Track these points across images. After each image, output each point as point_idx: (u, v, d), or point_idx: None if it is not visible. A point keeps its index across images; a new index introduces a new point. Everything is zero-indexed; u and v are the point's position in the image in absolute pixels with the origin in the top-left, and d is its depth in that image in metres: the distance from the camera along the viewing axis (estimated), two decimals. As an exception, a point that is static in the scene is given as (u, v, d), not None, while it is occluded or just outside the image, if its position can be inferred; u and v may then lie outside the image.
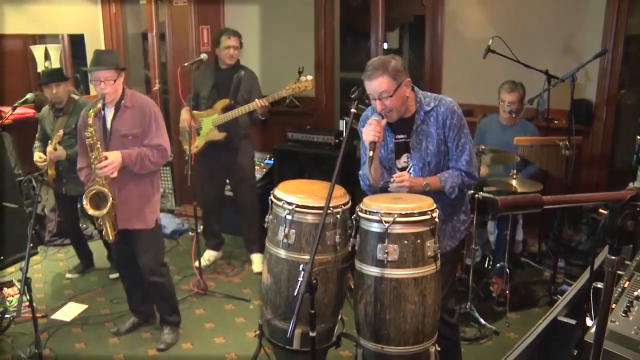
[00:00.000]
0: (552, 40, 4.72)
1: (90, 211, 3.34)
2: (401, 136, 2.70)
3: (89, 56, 6.13)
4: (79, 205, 4.49)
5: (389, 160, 2.74)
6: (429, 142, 2.65)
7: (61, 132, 4.12)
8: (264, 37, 5.81)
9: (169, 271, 3.77)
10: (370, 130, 2.52)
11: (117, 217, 3.42)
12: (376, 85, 2.53)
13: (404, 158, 2.72)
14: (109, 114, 3.41)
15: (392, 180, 2.62)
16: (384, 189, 2.71)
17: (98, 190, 3.33)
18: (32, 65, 5.88)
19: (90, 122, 3.26)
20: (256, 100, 4.27)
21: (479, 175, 2.75)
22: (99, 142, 3.29)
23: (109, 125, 3.40)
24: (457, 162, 2.66)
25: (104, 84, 3.28)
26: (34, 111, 5.54)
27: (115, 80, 3.31)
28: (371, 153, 2.49)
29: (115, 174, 3.30)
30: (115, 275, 4.57)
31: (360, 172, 2.80)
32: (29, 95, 4.31)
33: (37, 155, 4.22)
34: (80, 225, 4.79)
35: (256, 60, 5.71)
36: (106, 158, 3.27)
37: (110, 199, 3.32)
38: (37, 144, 4.40)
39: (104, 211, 3.33)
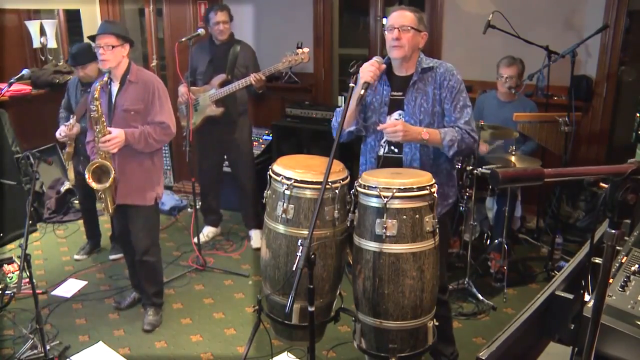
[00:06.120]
0: (553, 15, 4.67)
1: (93, 184, 3.36)
2: (397, 93, 2.74)
3: (85, 32, 6.10)
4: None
5: (380, 114, 2.75)
6: (423, 100, 2.68)
7: (74, 119, 4.06)
8: (262, 12, 5.75)
9: (161, 252, 3.77)
10: (369, 71, 2.56)
11: (116, 191, 3.43)
12: (401, 15, 2.65)
13: (395, 115, 2.73)
14: (115, 88, 3.41)
15: (383, 126, 2.62)
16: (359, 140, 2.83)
17: (101, 164, 3.36)
18: (28, 40, 5.82)
19: (96, 95, 3.28)
20: (252, 75, 4.25)
21: (478, 137, 2.76)
22: (103, 116, 3.30)
23: (114, 100, 3.40)
24: (457, 122, 2.66)
25: (103, 49, 3.28)
26: (30, 88, 5.51)
27: (114, 47, 3.28)
28: (362, 92, 2.53)
29: (115, 150, 3.31)
30: (115, 256, 4.58)
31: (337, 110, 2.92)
32: (24, 72, 4.27)
33: (59, 132, 4.14)
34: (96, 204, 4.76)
35: (255, 36, 5.66)
36: (110, 133, 3.27)
37: (113, 173, 3.34)
38: (62, 113, 4.35)
39: (106, 185, 3.36)
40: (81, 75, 4.15)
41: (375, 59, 2.63)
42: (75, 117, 4.07)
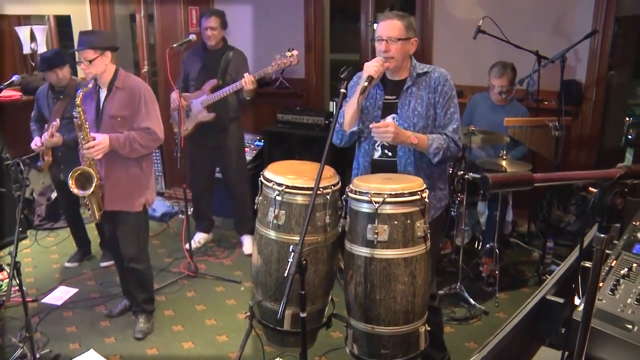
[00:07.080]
0: (543, 20, 4.70)
1: (75, 191, 3.35)
2: (391, 97, 2.76)
3: (76, 38, 6.07)
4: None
5: (374, 118, 2.76)
6: (417, 104, 2.70)
7: (57, 122, 3.94)
8: (253, 17, 5.75)
9: (150, 259, 3.74)
10: (373, 65, 2.59)
11: (104, 198, 3.42)
12: (389, 25, 2.65)
13: (389, 119, 2.74)
14: (103, 94, 3.40)
15: (375, 125, 2.63)
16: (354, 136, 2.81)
17: (83, 171, 3.34)
18: (18, 46, 5.79)
19: (77, 102, 3.26)
20: (245, 74, 4.24)
21: (462, 146, 2.80)
22: (86, 123, 3.29)
23: (101, 106, 3.39)
24: (444, 129, 2.71)
25: (83, 64, 3.28)
26: (20, 94, 5.47)
27: (92, 61, 3.26)
28: (366, 84, 2.57)
29: (100, 156, 3.29)
30: (107, 263, 4.55)
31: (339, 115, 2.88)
32: (14, 78, 4.24)
33: (34, 143, 4.03)
34: (81, 212, 4.73)
35: (246, 41, 5.66)
36: (94, 139, 3.26)
37: (96, 179, 3.32)
38: (33, 126, 4.27)
39: (89, 191, 3.34)
40: (54, 79, 4.09)
41: (379, 57, 2.66)
42: (57, 122, 3.95)
